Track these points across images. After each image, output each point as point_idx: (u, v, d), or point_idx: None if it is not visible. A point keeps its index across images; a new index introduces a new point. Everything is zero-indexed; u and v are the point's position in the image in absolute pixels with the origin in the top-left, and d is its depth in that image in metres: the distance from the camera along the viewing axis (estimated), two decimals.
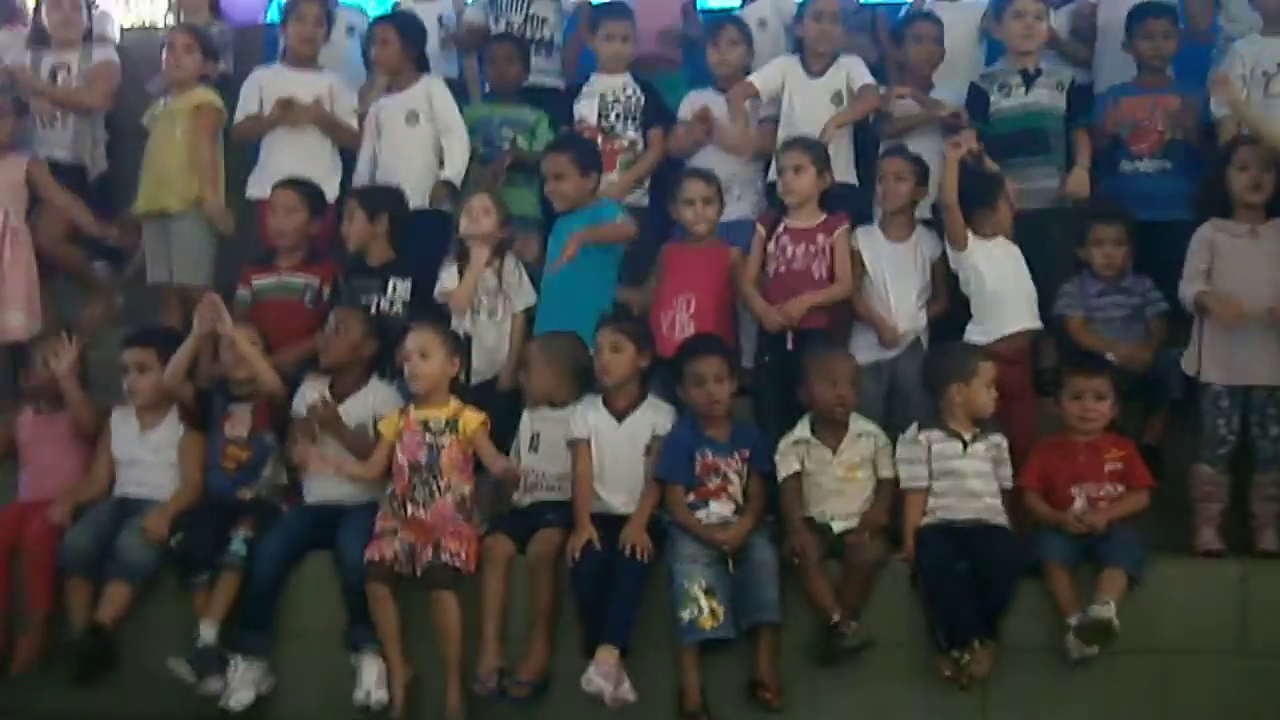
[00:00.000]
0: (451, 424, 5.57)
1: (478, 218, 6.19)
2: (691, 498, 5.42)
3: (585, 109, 6.88)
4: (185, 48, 6.79)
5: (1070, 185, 6.42)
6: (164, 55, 6.84)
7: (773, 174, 6.51)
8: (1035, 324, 5.95)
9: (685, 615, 5.16)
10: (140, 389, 5.86)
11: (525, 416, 5.78)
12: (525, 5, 7.41)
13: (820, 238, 6.03)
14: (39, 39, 7.18)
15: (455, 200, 6.60)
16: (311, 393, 5.80)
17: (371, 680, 5.33)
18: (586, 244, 6.02)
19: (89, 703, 5.47)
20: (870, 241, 6.11)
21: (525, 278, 6.21)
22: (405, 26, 6.98)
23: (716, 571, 5.24)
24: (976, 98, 6.67)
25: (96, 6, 7.43)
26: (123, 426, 5.91)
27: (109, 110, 7.25)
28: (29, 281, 6.54)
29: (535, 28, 7.42)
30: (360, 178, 6.80)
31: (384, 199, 6.40)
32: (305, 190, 6.43)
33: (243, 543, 5.48)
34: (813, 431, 5.51)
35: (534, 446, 5.72)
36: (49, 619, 5.58)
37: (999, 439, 5.44)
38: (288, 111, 6.77)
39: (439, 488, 5.49)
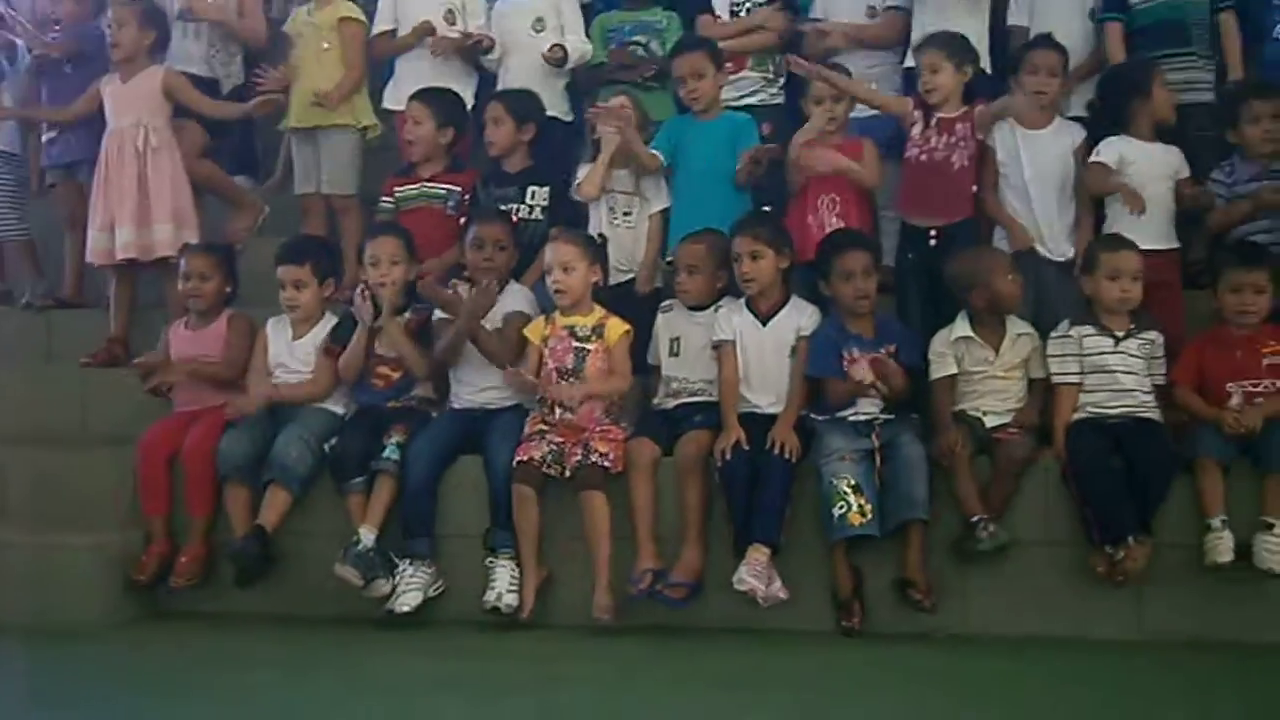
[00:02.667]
0: (598, 330, 5.62)
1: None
2: None
3: (718, 4, 6.78)
4: None
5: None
6: None
7: (909, 61, 6.40)
8: (1167, 244, 5.79)
9: (835, 512, 5.16)
10: (299, 304, 5.94)
11: (661, 320, 5.80)
12: None
13: (959, 127, 5.91)
14: None
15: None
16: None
17: (504, 583, 5.41)
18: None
19: (250, 605, 5.59)
20: (1006, 133, 5.98)
21: (662, 180, 6.18)
22: None
23: (864, 469, 5.24)
24: None
25: None
26: (277, 335, 5.99)
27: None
28: (175, 196, 6.59)
29: None
30: None
31: (531, 107, 6.40)
32: (436, 101, 6.45)
33: (395, 447, 5.55)
34: (974, 330, 5.46)
35: (674, 351, 5.73)
36: (209, 526, 5.72)
37: (1154, 335, 5.37)
38: (427, 39, 6.79)
39: None
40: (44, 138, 7.13)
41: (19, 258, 7.36)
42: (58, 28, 7.16)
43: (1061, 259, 5.83)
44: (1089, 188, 5.84)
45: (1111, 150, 5.81)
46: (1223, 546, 5.00)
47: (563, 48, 6.68)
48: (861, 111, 6.31)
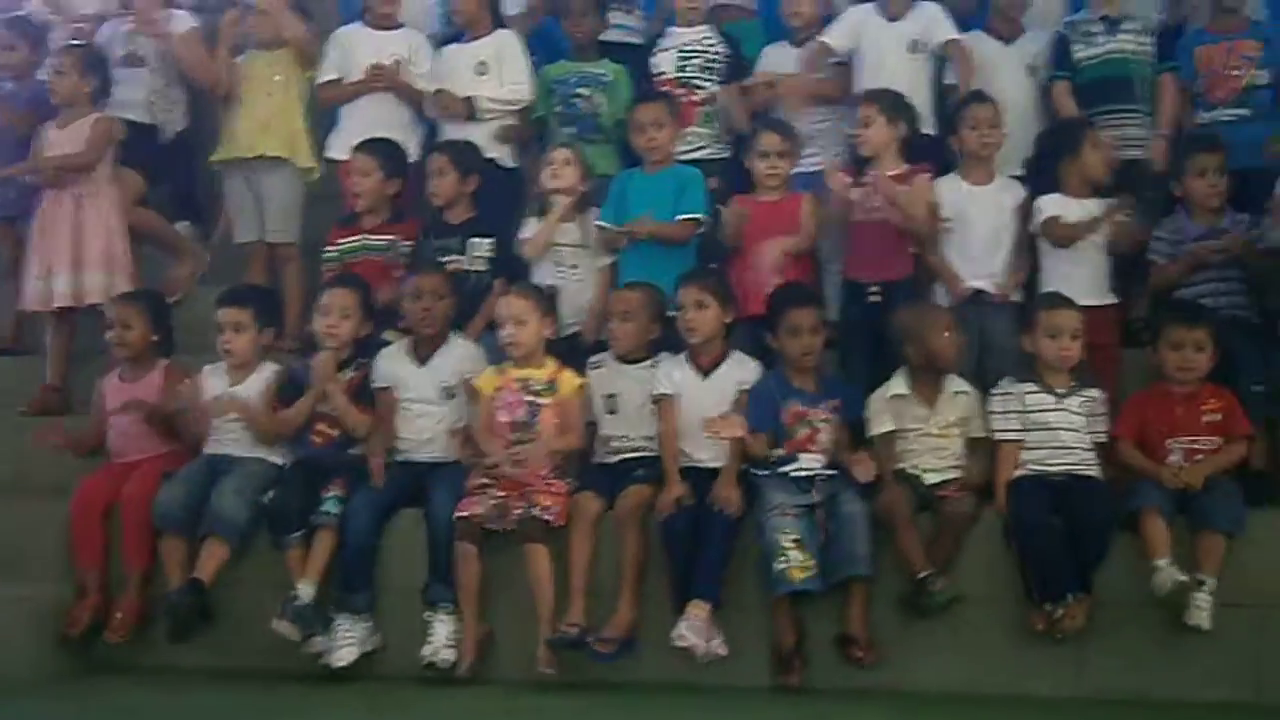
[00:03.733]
0: (551, 384, 5.59)
1: (559, 171, 6.18)
2: (781, 451, 5.41)
3: (663, 61, 6.78)
4: (271, 4, 6.80)
5: (1152, 154, 6.38)
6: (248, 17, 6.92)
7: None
8: (1102, 300, 5.82)
9: (776, 566, 5.14)
10: (235, 349, 5.88)
11: (593, 376, 5.75)
12: None
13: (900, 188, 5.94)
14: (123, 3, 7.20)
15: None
16: (385, 359, 5.83)
17: (441, 639, 5.37)
18: (652, 235, 6.01)
19: (187, 659, 5.52)
20: (951, 189, 6.03)
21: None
22: None
23: (806, 524, 5.22)
24: (1060, 48, 6.58)
25: None
26: (213, 383, 5.91)
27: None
28: (109, 243, 6.55)
29: None
30: None
31: (473, 158, 6.39)
32: (382, 152, 6.43)
33: (335, 501, 5.51)
34: (910, 388, 5.47)
35: (612, 410, 5.70)
36: (146, 579, 5.64)
37: (1095, 393, 5.39)
38: (373, 79, 6.78)
39: None
40: None
41: None
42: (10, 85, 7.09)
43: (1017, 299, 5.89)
44: (1052, 239, 5.83)
45: (1053, 205, 5.86)
46: (1168, 576, 4.96)
47: (469, 101, 6.70)
48: (813, 166, 6.37)
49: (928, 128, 6.45)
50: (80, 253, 6.49)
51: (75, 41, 7.00)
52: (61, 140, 6.61)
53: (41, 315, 6.65)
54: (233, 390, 5.84)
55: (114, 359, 6.14)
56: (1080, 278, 5.77)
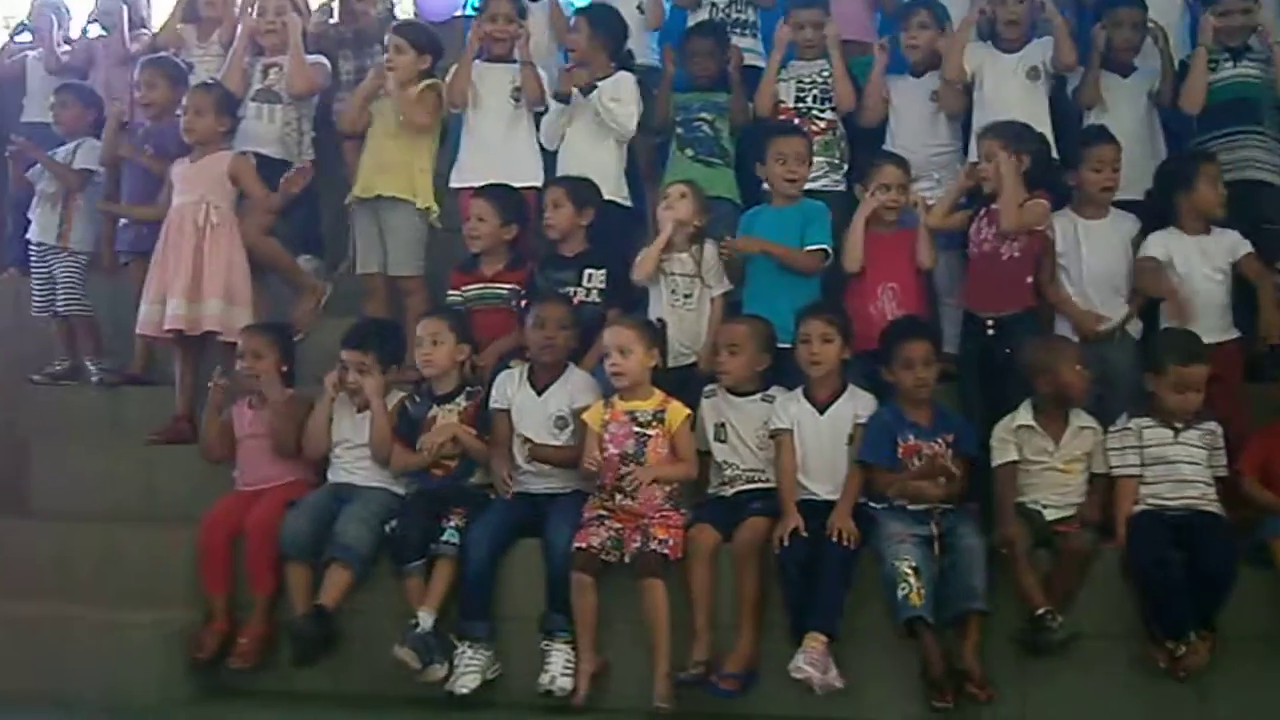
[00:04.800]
0: (659, 415, 5.63)
1: (674, 203, 6.22)
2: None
3: (783, 91, 6.89)
4: (397, 48, 6.93)
5: None
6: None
7: (973, 154, 6.42)
8: (1225, 336, 5.76)
9: (899, 593, 5.13)
10: (360, 388, 5.95)
11: (705, 404, 5.78)
12: None
13: None
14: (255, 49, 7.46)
15: None
16: (509, 382, 5.90)
17: (558, 667, 5.41)
18: (768, 253, 6.05)
19: (310, 684, 5.63)
20: (1065, 224, 6.00)
21: (722, 264, 6.19)
22: (598, 17, 6.99)
23: (923, 554, 5.21)
24: (1182, 77, 6.53)
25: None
26: (340, 412, 6.03)
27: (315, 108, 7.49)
28: (229, 274, 6.69)
29: (740, 8, 7.44)
30: None
31: (590, 192, 6.46)
32: (501, 199, 6.49)
33: (455, 531, 5.58)
34: (1036, 420, 5.44)
35: (720, 437, 5.73)
36: (271, 604, 5.76)
37: (1213, 426, 5.33)
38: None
39: None
40: (119, 223, 7.30)
41: (84, 334, 7.52)
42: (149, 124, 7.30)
43: (1135, 334, 5.86)
44: (1142, 286, 5.84)
45: (1158, 244, 5.83)
46: None
47: (594, 85, 6.75)
48: (931, 198, 6.35)
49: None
50: (200, 282, 6.63)
51: (209, 81, 7.20)
52: (193, 175, 6.78)
53: (158, 341, 6.83)
54: (360, 422, 5.97)
55: (244, 388, 6.27)
56: (1201, 315, 5.70)
